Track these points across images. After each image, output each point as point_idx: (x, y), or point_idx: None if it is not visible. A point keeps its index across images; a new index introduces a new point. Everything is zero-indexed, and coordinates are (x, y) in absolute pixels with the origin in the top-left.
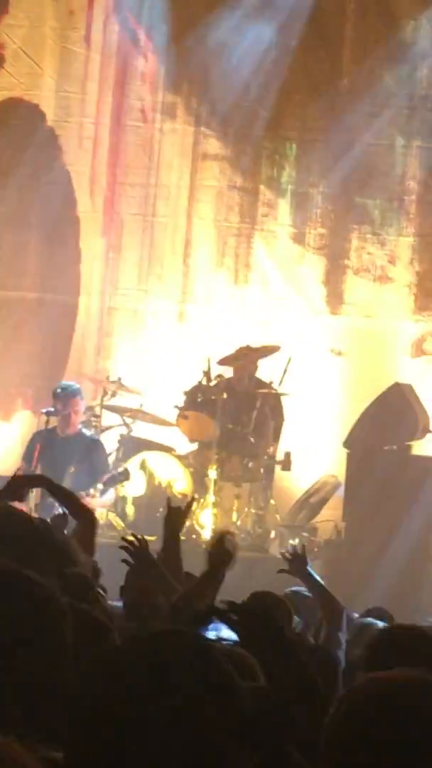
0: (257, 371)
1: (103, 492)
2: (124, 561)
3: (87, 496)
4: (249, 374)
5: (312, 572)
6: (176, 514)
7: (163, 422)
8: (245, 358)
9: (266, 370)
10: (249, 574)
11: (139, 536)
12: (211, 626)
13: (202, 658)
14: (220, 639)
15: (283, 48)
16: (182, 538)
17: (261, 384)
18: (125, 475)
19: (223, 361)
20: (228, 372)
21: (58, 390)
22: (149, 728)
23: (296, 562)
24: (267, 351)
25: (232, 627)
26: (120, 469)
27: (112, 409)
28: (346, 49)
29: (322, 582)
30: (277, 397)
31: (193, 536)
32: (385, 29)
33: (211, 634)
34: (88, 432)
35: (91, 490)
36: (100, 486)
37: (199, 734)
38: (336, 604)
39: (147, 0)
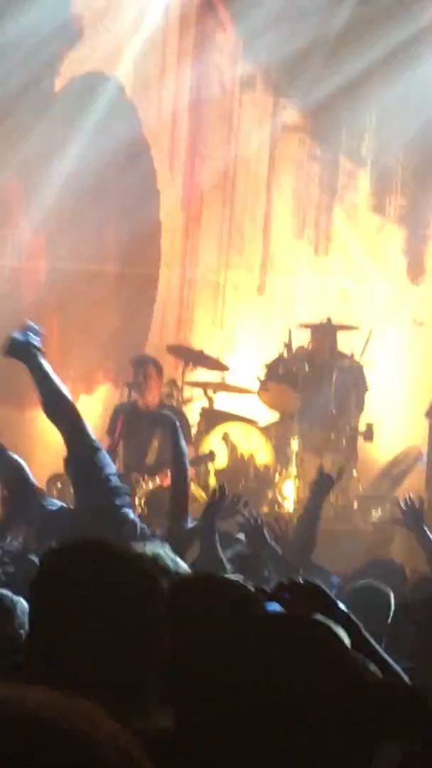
0: (337, 343)
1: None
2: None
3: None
4: (329, 347)
5: (426, 530)
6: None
7: (246, 391)
8: (325, 331)
9: (349, 341)
10: (333, 545)
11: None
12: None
13: (326, 649)
14: None
15: (361, 18)
16: (265, 509)
17: (342, 355)
18: (211, 457)
19: (303, 326)
20: (309, 344)
21: (133, 359)
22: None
23: (412, 515)
24: (347, 329)
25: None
26: (206, 452)
27: (194, 383)
28: (426, 18)
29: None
30: (358, 368)
31: (276, 508)
32: None
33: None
34: (170, 405)
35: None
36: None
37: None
38: None
39: None
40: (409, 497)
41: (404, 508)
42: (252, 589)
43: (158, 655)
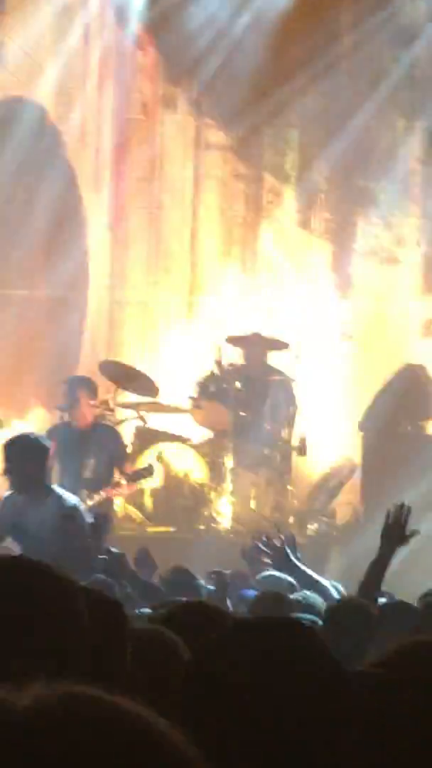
0: (267, 359)
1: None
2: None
3: (112, 486)
4: (260, 362)
5: (297, 563)
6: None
7: (178, 410)
8: (253, 346)
9: (279, 357)
10: None
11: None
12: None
13: (309, 650)
14: None
15: (281, 34)
16: (201, 527)
17: (273, 371)
18: (149, 471)
19: (231, 340)
20: (239, 361)
21: (64, 382)
22: (256, 713)
23: (277, 556)
24: (277, 345)
25: None
26: (145, 465)
27: (126, 404)
28: (344, 31)
29: (310, 573)
30: (290, 382)
31: (212, 525)
32: (382, 8)
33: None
34: (103, 422)
35: (121, 480)
36: (122, 480)
37: (304, 722)
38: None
39: None
40: (265, 536)
41: (267, 551)
42: None
43: None
